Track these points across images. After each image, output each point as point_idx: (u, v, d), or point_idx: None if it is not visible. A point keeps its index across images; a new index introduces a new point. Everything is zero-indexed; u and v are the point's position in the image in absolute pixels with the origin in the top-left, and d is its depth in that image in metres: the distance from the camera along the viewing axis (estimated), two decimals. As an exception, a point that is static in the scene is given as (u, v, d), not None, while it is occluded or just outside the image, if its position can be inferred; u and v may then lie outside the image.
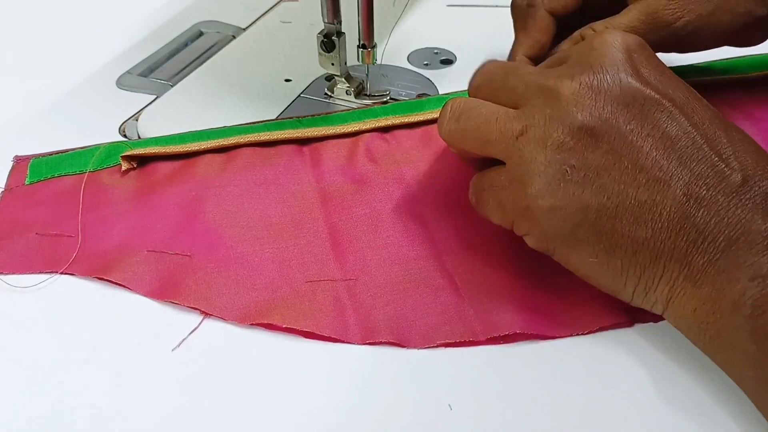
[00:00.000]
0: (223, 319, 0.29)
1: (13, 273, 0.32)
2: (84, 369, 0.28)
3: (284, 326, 0.29)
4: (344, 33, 0.40)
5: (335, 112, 0.41)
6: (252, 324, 0.29)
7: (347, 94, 0.42)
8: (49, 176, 0.37)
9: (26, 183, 0.37)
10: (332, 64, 0.41)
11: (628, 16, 0.35)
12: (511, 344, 0.28)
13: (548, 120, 0.27)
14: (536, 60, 0.37)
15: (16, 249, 0.33)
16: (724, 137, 0.27)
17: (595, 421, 0.26)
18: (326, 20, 0.39)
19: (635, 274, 0.26)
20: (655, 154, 0.26)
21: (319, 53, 0.41)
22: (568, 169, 0.26)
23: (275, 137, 0.38)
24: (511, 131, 0.28)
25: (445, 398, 0.26)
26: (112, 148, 0.38)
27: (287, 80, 0.45)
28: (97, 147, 0.38)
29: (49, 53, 0.49)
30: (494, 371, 0.27)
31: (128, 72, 0.46)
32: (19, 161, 0.38)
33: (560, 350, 0.28)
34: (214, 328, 0.29)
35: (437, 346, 0.28)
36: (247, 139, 0.38)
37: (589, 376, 0.27)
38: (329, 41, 0.40)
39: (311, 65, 0.43)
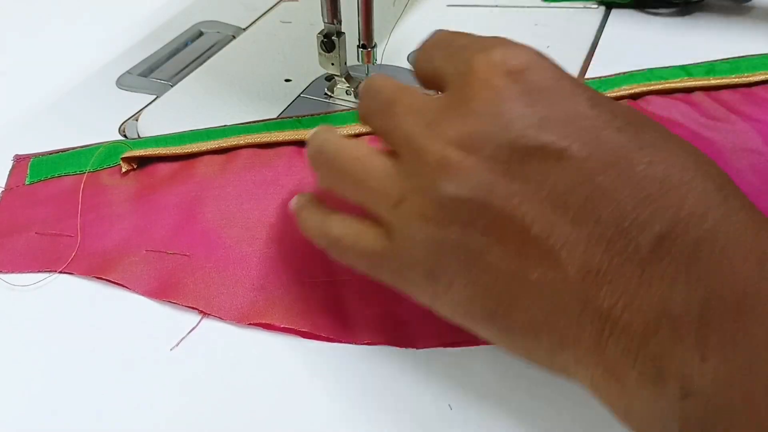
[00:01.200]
0: (221, 318, 0.29)
1: (12, 272, 0.32)
2: (82, 368, 0.28)
3: (282, 326, 0.29)
4: (344, 33, 0.40)
5: (335, 112, 0.41)
6: (250, 324, 0.29)
7: (347, 94, 0.42)
8: (49, 176, 0.37)
9: (26, 183, 0.37)
10: (332, 64, 0.41)
11: None
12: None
13: (420, 189, 0.22)
14: None
15: (16, 248, 0.33)
16: (636, 173, 0.20)
17: (595, 421, 0.26)
18: (326, 20, 0.39)
19: (544, 357, 0.22)
20: (541, 219, 0.20)
21: (319, 53, 0.41)
22: (449, 248, 0.22)
23: (275, 139, 0.38)
24: (389, 196, 0.23)
25: (445, 398, 0.26)
26: (112, 147, 0.38)
27: (287, 80, 0.45)
28: (97, 146, 0.39)
29: (49, 53, 0.49)
30: (494, 371, 0.27)
31: (128, 72, 0.46)
32: (19, 160, 0.38)
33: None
34: (213, 327, 0.29)
35: (436, 346, 0.28)
36: (246, 141, 0.38)
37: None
38: (329, 41, 0.40)
39: (311, 65, 0.43)
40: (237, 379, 0.27)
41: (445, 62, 0.25)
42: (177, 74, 0.46)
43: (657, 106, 0.40)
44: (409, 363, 0.28)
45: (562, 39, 0.49)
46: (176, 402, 0.26)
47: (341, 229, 0.26)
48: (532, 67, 0.22)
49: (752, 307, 0.18)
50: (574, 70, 0.45)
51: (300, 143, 0.38)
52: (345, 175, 0.25)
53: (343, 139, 0.26)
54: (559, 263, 0.20)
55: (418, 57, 0.26)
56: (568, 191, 0.20)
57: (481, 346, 0.28)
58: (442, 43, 0.25)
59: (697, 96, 0.40)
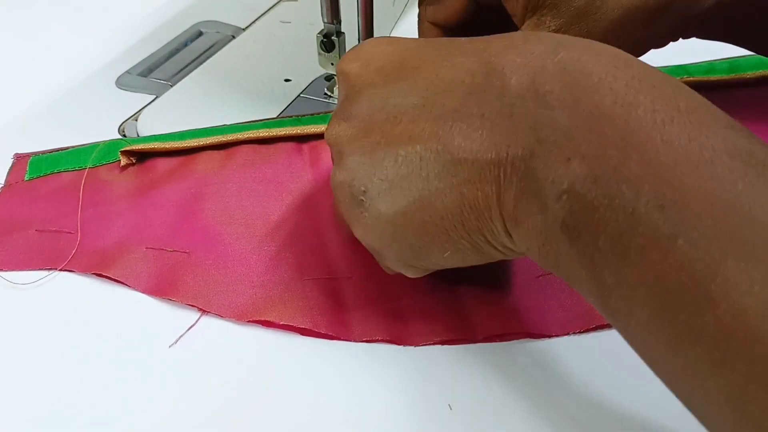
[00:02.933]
0: (220, 316, 0.29)
1: (13, 269, 0.32)
2: (82, 365, 0.28)
3: (281, 324, 0.29)
4: (344, 33, 0.40)
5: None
6: (249, 321, 0.29)
7: (347, 93, 0.42)
8: (49, 172, 0.37)
9: (26, 179, 0.37)
10: (332, 64, 0.41)
11: None
12: (510, 343, 0.28)
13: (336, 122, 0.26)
14: None
15: (16, 246, 0.33)
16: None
17: (596, 422, 0.26)
18: (326, 20, 0.39)
19: (479, 240, 0.24)
20: (412, 111, 0.24)
21: (319, 53, 0.41)
22: (363, 188, 0.25)
23: (274, 134, 0.38)
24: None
25: (445, 398, 0.26)
26: (112, 145, 0.38)
27: (287, 80, 0.45)
28: (96, 144, 0.39)
29: (48, 53, 0.49)
30: (494, 371, 0.27)
31: (128, 72, 0.46)
32: (19, 158, 0.38)
33: (560, 349, 0.28)
34: (212, 325, 0.29)
35: (434, 344, 0.28)
36: (246, 136, 0.38)
37: (589, 375, 0.27)
38: (329, 41, 0.40)
39: (311, 65, 0.43)
40: (236, 377, 0.27)
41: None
42: (176, 74, 0.46)
43: None
44: (409, 363, 0.28)
45: (562, 39, 0.49)
46: (175, 399, 0.26)
47: None
48: (371, 42, 0.27)
49: (603, 114, 0.20)
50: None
51: (299, 139, 0.38)
52: None
53: None
54: (438, 139, 0.23)
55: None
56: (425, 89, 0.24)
57: (481, 345, 0.28)
58: None
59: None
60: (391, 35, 0.50)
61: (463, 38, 0.25)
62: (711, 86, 0.41)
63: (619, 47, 0.25)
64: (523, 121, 0.22)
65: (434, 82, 0.24)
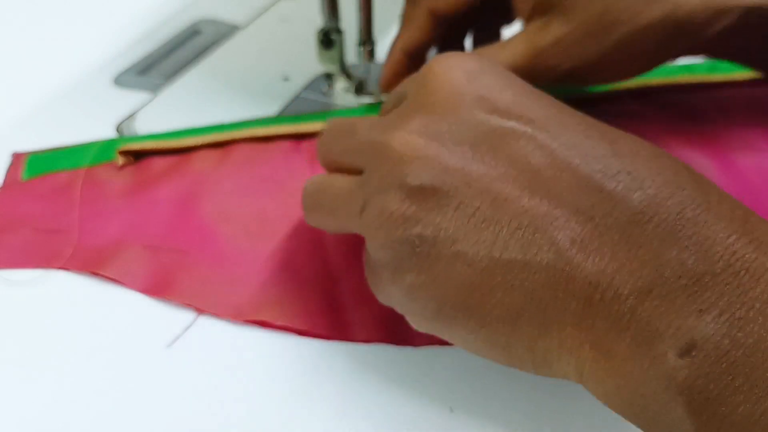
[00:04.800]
0: (217, 315, 0.29)
1: (8, 268, 0.31)
2: (77, 364, 0.27)
3: (278, 324, 0.28)
4: (343, 31, 0.40)
5: (334, 110, 0.41)
6: (247, 321, 0.29)
7: (346, 92, 0.42)
8: (46, 172, 0.37)
9: (23, 179, 0.37)
10: (331, 62, 0.41)
11: (513, 50, 0.32)
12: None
13: (383, 186, 0.22)
14: (414, 56, 0.36)
15: (12, 244, 0.32)
16: (607, 150, 0.20)
17: (597, 424, 0.25)
18: (325, 18, 0.39)
19: (524, 347, 0.21)
20: (516, 195, 0.20)
21: (318, 51, 0.40)
22: (416, 240, 0.21)
23: (272, 132, 0.37)
24: (354, 208, 0.23)
25: (445, 401, 0.26)
26: (109, 143, 0.38)
27: (286, 78, 0.44)
28: (93, 143, 0.38)
29: (45, 51, 0.49)
30: (495, 373, 0.27)
31: (126, 70, 0.46)
32: (17, 157, 0.38)
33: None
34: (208, 325, 0.29)
35: (433, 344, 0.28)
36: (243, 134, 0.37)
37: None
38: (328, 39, 0.39)
39: (310, 63, 0.43)
40: (232, 378, 0.27)
41: (406, 84, 0.26)
42: (175, 72, 0.46)
43: (657, 105, 0.39)
44: (409, 364, 0.27)
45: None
46: (170, 399, 0.26)
47: None
48: (485, 67, 0.23)
49: (742, 268, 0.18)
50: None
51: (296, 137, 0.38)
52: (320, 210, 0.26)
53: (315, 177, 0.27)
54: (541, 236, 0.20)
55: (384, 105, 0.28)
56: (539, 169, 0.20)
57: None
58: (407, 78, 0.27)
59: (699, 96, 0.40)
60: (392, 36, 0.50)
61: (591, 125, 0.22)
62: (713, 84, 0.40)
63: (630, 62, 0.24)
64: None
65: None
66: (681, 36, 0.31)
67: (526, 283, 0.20)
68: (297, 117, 0.40)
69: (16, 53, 0.49)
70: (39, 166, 0.37)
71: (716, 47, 0.33)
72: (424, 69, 0.24)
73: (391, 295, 0.23)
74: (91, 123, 0.41)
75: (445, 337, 0.23)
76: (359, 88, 0.42)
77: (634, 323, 0.18)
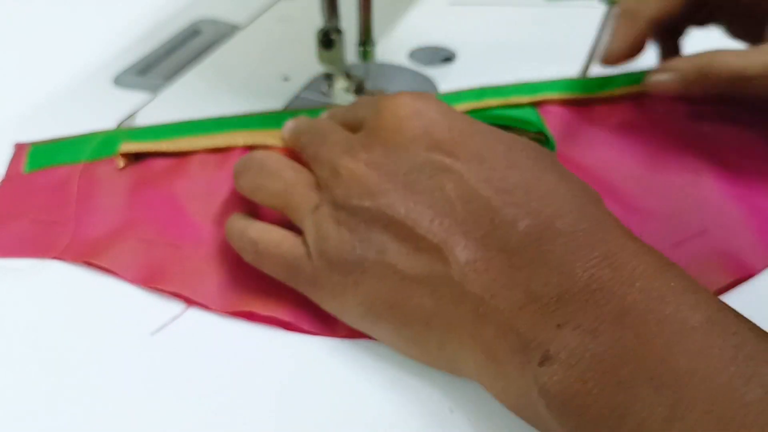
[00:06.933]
0: (207, 307, 0.29)
1: (5, 257, 0.32)
2: (69, 353, 0.27)
3: (264, 314, 0.29)
4: (343, 31, 0.40)
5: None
6: (235, 313, 0.29)
7: (346, 92, 0.42)
8: (47, 165, 0.37)
9: (24, 172, 0.37)
10: (331, 62, 0.40)
11: None
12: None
13: (335, 198, 0.27)
14: (661, 27, 0.38)
15: (9, 234, 0.33)
16: (517, 184, 0.24)
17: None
18: (325, 18, 0.39)
19: (437, 347, 0.25)
20: (429, 219, 0.24)
21: (318, 51, 0.40)
22: (357, 244, 0.26)
23: (270, 143, 0.37)
24: (309, 203, 0.28)
25: (445, 401, 0.26)
26: (109, 137, 0.39)
27: (286, 78, 0.44)
28: (95, 134, 0.39)
29: (46, 51, 0.49)
30: (495, 373, 0.27)
31: (126, 70, 0.46)
32: (20, 148, 0.39)
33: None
34: (195, 317, 0.29)
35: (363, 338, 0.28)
36: (243, 140, 0.37)
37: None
38: (328, 39, 0.39)
39: (310, 63, 0.43)
40: (230, 375, 0.27)
41: (363, 109, 0.30)
42: (175, 72, 0.46)
43: (647, 108, 0.39)
44: (409, 364, 0.27)
45: (564, 37, 0.49)
46: (155, 389, 0.26)
47: (263, 233, 0.29)
48: (431, 107, 0.27)
49: (598, 287, 0.21)
50: (576, 68, 0.45)
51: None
52: (271, 181, 0.29)
53: (267, 153, 0.31)
54: (444, 256, 0.24)
55: (345, 110, 0.32)
56: (453, 199, 0.24)
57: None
58: (362, 101, 0.32)
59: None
60: (392, 36, 0.50)
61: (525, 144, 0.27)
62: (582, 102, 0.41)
63: None
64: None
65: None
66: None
67: (435, 293, 0.24)
68: (294, 113, 0.40)
69: (17, 53, 0.49)
70: (41, 158, 0.38)
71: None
72: (380, 104, 0.28)
73: (330, 295, 0.27)
74: (92, 123, 0.41)
75: (374, 335, 0.27)
76: (359, 88, 0.42)
77: (512, 334, 0.22)
